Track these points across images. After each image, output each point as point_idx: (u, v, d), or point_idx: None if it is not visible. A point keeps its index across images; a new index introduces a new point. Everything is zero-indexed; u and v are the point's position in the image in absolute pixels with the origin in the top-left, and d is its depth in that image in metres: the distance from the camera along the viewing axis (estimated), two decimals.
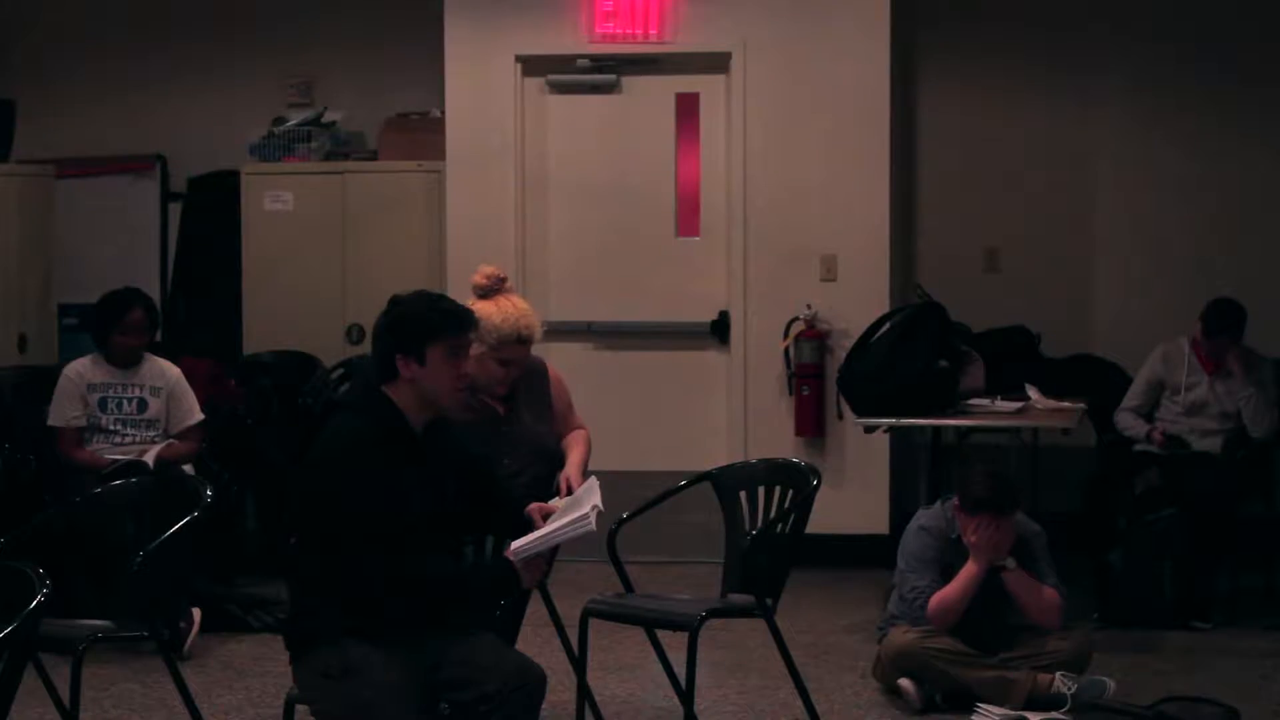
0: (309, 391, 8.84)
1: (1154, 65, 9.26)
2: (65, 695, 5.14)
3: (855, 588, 8.14)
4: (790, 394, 8.70)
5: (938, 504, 6.48)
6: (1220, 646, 7.21)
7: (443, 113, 8.94)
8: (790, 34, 8.69)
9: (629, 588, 5.86)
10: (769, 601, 5.58)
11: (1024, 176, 9.37)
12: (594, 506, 4.49)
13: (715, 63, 8.79)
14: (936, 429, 8.10)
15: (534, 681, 4.46)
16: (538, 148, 8.86)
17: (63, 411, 7.46)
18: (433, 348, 4.41)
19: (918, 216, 9.44)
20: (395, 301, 4.52)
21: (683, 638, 5.42)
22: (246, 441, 8.42)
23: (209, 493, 5.52)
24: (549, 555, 4.65)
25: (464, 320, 4.52)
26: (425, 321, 4.43)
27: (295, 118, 9.43)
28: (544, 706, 4.55)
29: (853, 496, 8.62)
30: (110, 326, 7.50)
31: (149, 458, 7.30)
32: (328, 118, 9.42)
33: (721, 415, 8.82)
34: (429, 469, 4.48)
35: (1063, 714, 6.04)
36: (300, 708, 4.64)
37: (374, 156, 9.33)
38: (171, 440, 7.49)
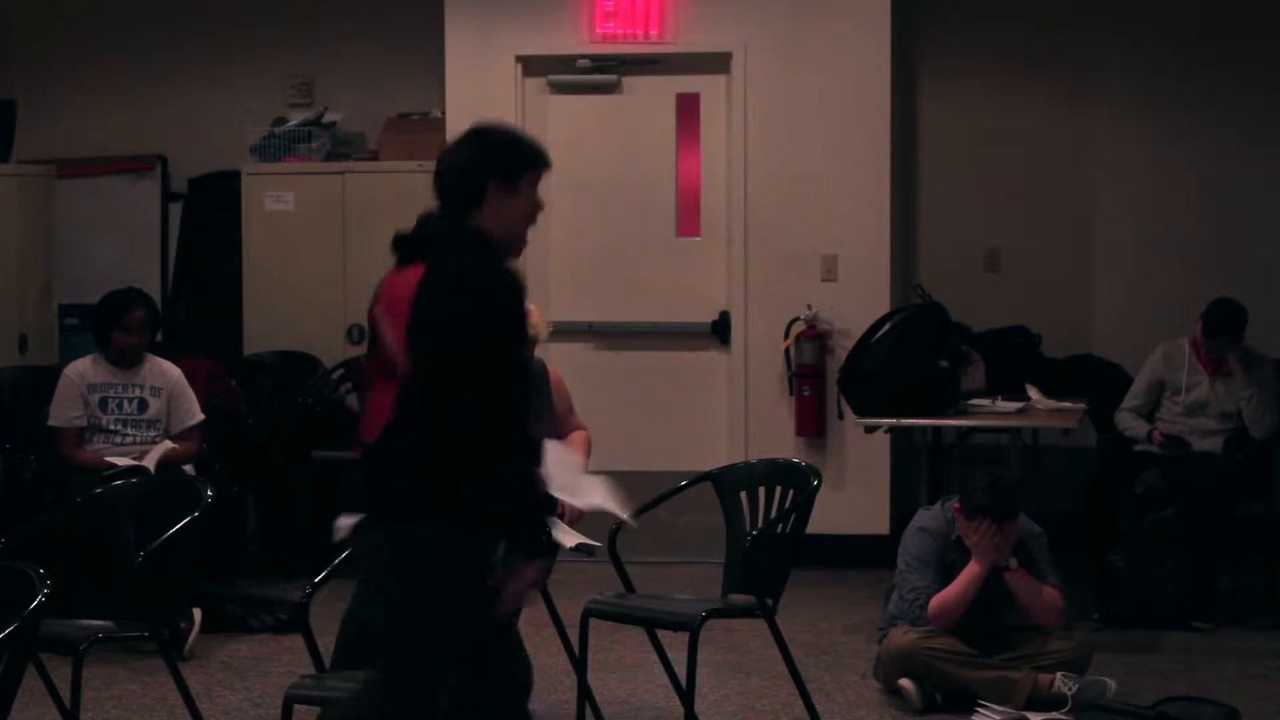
0: (309, 391, 8.84)
1: (1154, 65, 9.26)
2: (66, 695, 5.15)
3: (855, 588, 8.14)
4: (790, 394, 8.70)
5: (938, 504, 6.48)
6: (1220, 646, 7.21)
7: (443, 113, 8.94)
8: (790, 34, 8.70)
9: (629, 588, 5.86)
10: (769, 601, 5.59)
11: (1024, 176, 9.37)
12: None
13: (716, 63, 8.79)
14: (937, 429, 8.10)
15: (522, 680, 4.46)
16: None
17: (63, 412, 7.46)
18: (527, 176, 4.26)
19: (918, 216, 9.44)
20: (484, 129, 4.32)
21: (683, 638, 5.42)
22: (246, 441, 8.43)
23: (209, 493, 5.52)
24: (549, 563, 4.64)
25: (547, 155, 4.37)
26: (523, 149, 4.29)
27: (296, 118, 9.42)
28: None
29: (853, 496, 8.62)
30: (111, 326, 7.50)
31: (150, 461, 7.29)
32: (328, 118, 9.41)
33: (721, 415, 8.82)
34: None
35: (1063, 714, 6.04)
36: (299, 708, 4.64)
37: (374, 156, 9.33)
38: (173, 445, 7.48)
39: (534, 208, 4.26)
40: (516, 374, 4.12)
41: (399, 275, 4.16)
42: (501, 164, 4.22)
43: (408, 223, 4.23)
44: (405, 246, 4.18)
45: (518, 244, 4.26)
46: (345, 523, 4.17)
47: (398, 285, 4.13)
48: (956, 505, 6.28)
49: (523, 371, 4.20)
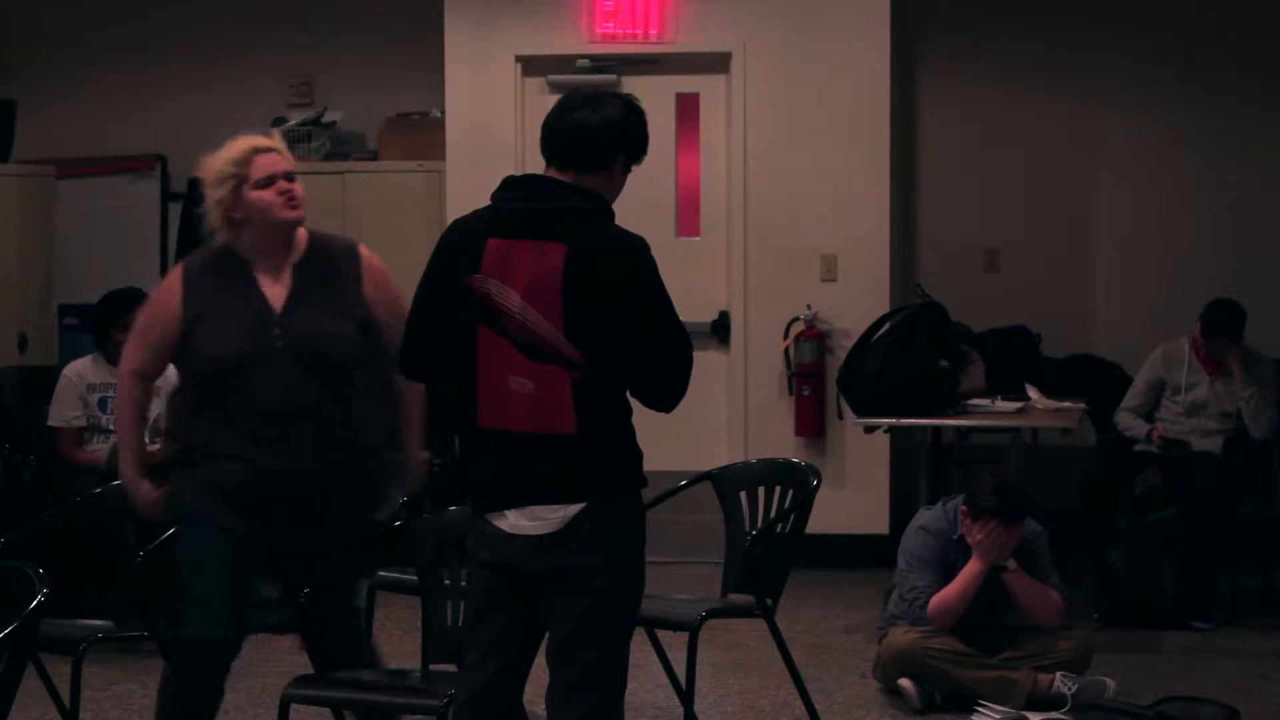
0: None
1: (1154, 65, 9.26)
2: (65, 695, 5.15)
3: (855, 588, 8.14)
4: (790, 394, 8.70)
5: (938, 504, 6.49)
6: (1220, 646, 7.21)
7: (443, 113, 8.94)
8: (790, 34, 8.70)
9: None
10: (769, 601, 5.59)
11: (1024, 176, 9.37)
12: None
13: (715, 63, 8.79)
14: (936, 429, 8.11)
15: None
16: (538, 148, 8.82)
17: (62, 412, 7.47)
18: (635, 164, 4.30)
19: (918, 216, 9.44)
20: (631, 103, 4.32)
21: (683, 638, 5.42)
22: None
23: None
24: None
25: None
26: (647, 138, 4.29)
27: (295, 118, 9.42)
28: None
29: (853, 496, 8.61)
30: (110, 326, 7.50)
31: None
32: (328, 118, 9.41)
33: (721, 415, 8.82)
34: None
35: (1063, 714, 6.05)
36: (297, 708, 4.63)
37: (374, 156, 9.32)
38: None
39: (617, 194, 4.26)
40: None
41: (522, 249, 4.10)
42: (636, 144, 4.24)
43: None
44: (526, 219, 4.13)
45: None
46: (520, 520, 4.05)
47: (536, 266, 4.06)
48: (964, 508, 6.26)
49: None
